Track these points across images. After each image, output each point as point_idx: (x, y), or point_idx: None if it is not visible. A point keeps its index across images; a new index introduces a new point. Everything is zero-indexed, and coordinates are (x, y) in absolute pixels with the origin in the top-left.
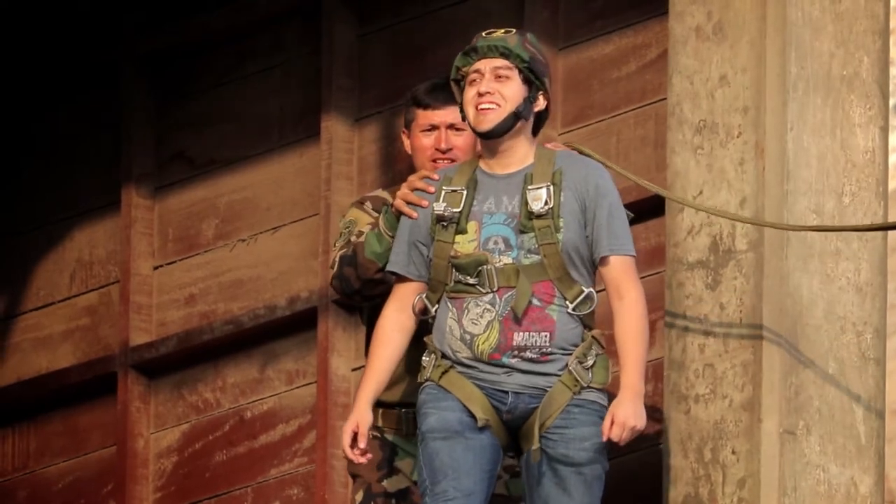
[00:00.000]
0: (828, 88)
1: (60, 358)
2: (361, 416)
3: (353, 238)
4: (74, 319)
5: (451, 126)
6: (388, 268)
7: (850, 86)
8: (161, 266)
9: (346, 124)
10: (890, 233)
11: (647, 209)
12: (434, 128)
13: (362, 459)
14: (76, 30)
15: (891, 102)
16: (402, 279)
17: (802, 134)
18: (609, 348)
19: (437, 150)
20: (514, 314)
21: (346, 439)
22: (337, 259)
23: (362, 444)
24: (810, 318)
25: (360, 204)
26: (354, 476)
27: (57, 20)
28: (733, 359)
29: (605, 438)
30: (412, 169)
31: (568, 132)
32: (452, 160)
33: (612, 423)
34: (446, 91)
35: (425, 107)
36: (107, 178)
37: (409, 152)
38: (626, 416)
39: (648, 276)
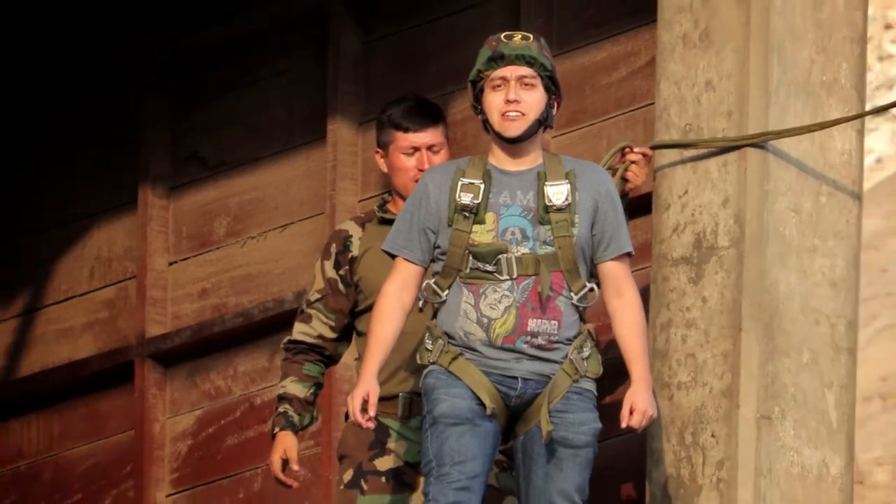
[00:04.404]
0: (808, 93)
1: (81, 348)
2: (370, 387)
3: (306, 308)
4: (94, 312)
5: (430, 147)
6: (395, 252)
7: (830, 91)
8: (176, 262)
9: (351, 128)
10: (863, 232)
11: (635, 209)
12: (415, 150)
13: (370, 424)
14: (97, 39)
15: (867, 107)
16: (405, 259)
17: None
18: (599, 338)
19: (420, 171)
20: (532, 301)
21: (357, 404)
22: (292, 338)
23: (372, 411)
24: (787, 310)
25: (326, 251)
26: (342, 457)
27: (78, 28)
28: (714, 349)
29: (624, 425)
30: (389, 185)
31: (560, 135)
32: None
33: (632, 411)
34: (421, 112)
35: (405, 130)
36: (125, 179)
37: (385, 171)
38: (646, 405)
39: (635, 271)
